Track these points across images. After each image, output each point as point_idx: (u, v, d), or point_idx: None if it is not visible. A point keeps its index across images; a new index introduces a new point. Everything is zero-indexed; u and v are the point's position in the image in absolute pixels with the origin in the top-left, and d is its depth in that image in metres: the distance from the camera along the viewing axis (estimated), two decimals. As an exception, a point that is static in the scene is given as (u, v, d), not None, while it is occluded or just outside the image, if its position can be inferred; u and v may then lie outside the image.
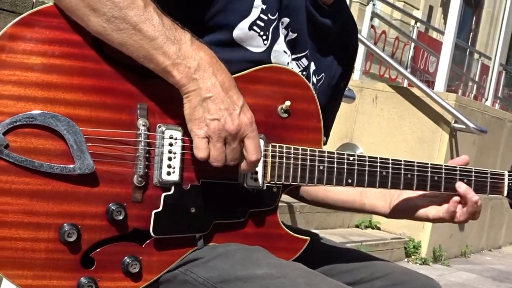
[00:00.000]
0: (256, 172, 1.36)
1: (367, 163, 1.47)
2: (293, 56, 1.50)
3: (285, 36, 1.47)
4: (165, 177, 1.29)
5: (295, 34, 1.48)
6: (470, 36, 18.66)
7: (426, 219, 1.60)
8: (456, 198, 1.54)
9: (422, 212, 1.59)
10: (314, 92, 1.46)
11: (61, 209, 1.23)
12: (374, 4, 8.83)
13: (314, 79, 1.57)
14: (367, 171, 1.47)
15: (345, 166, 1.44)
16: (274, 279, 1.25)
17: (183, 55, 1.21)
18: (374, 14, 8.89)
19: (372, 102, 5.85)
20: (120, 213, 1.26)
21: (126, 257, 1.29)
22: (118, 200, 1.27)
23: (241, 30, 1.37)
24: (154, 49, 1.20)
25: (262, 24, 1.40)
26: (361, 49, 7.52)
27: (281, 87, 1.41)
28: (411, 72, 9.71)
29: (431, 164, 1.52)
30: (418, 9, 15.96)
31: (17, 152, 1.19)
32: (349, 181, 1.45)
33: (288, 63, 1.47)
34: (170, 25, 1.22)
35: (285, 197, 4.92)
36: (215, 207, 1.35)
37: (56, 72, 1.22)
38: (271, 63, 1.43)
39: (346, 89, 3.95)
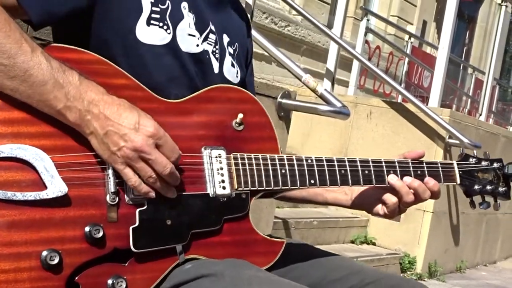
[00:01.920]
0: (224, 181, 1.41)
1: (325, 163, 1.53)
2: (202, 36, 1.53)
3: (194, 19, 1.51)
4: (136, 192, 1.31)
5: (194, 15, 1.52)
6: (464, 51, 18.76)
7: (376, 215, 1.67)
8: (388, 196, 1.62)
9: (374, 208, 1.67)
10: (262, 105, 1.52)
11: (40, 236, 1.24)
12: (368, 20, 8.90)
13: (231, 50, 1.63)
14: (326, 171, 1.53)
15: (305, 168, 1.51)
16: None
17: (73, 97, 1.24)
18: (368, 30, 8.97)
19: (366, 117, 5.88)
20: (98, 231, 1.27)
21: (110, 278, 1.29)
22: (94, 221, 1.28)
23: (141, 30, 1.42)
24: (46, 93, 1.24)
25: (158, 16, 1.44)
26: (355, 64, 7.59)
27: (232, 104, 1.48)
28: (405, 87, 9.77)
29: (384, 160, 1.60)
30: (412, 24, 16.04)
31: None
32: (312, 181, 1.51)
33: (198, 45, 1.51)
34: (58, 67, 1.25)
35: (280, 213, 4.91)
36: (190, 217, 1.38)
37: (17, 109, 1.25)
38: (179, 50, 1.47)
39: (341, 106, 4.00)
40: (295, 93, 4.02)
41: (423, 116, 5.50)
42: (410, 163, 1.63)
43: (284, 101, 3.84)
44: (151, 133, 1.27)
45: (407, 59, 10.63)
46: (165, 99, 1.40)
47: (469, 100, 11.92)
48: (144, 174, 1.29)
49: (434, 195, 1.62)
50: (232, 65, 1.62)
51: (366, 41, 9.30)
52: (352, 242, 5.60)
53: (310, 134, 6.09)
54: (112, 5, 1.40)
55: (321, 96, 4.06)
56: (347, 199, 1.72)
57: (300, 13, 6.86)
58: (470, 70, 13.03)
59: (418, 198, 1.61)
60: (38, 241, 1.23)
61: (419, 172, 1.63)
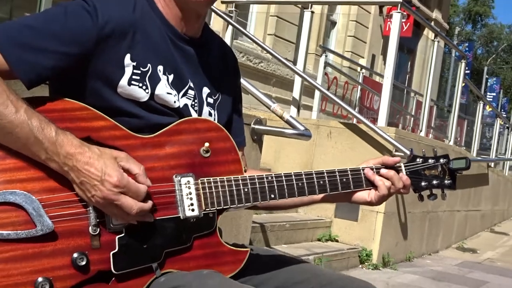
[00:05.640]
0: (192, 204, 1.38)
1: (283, 178, 1.47)
2: (181, 93, 1.48)
3: (168, 80, 1.45)
4: (114, 222, 1.30)
5: (172, 75, 1.46)
6: (407, 78, 18.95)
7: (359, 201, 1.58)
8: (388, 183, 1.56)
9: (355, 195, 1.58)
10: (227, 131, 1.47)
11: (33, 267, 1.22)
12: (326, 56, 9.00)
13: (210, 100, 1.56)
14: (285, 185, 1.47)
15: (266, 185, 1.45)
16: None
17: (51, 151, 1.23)
18: (327, 63, 9.07)
19: (327, 136, 5.91)
20: (83, 259, 1.26)
21: None
22: (80, 250, 1.26)
23: (122, 88, 1.37)
24: (30, 147, 1.23)
25: (138, 77, 1.39)
26: (317, 93, 7.65)
27: (199, 134, 1.42)
28: (359, 110, 9.85)
29: (338, 169, 1.54)
30: (363, 58, 16.20)
31: None
32: (272, 196, 1.46)
33: (175, 102, 1.45)
34: (37, 126, 1.22)
35: (257, 219, 4.90)
36: (163, 238, 1.35)
37: (9, 158, 1.24)
38: (159, 105, 1.42)
39: (304, 129, 4.01)
40: (266, 119, 4.04)
41: (374, 134, 5.54)
42: (360, 170, 1.57)
43: (256, 126, 3.84)
44: (115, 184, 1.25)
45: (359, 87, 10.73)
46: (140, 135, 1.37)
47: (412, 118, 12.02)
48: (117, 214, 1.28)
49: (406, 187, 1.57)
50: (210, 114, 1.56)
51: (326, 73, 9.40)
52: (319, 240, 5.59)
53: (281, 152, 6.11)
54: (97, 67, 1.36)
55: (287, 122, 4.07)
56: (320, 195, 1.59)
57: (269, 52, 6.90)
58: (412, 94, 13.16)
59: (396, 185, 1.56)
60: (32, 271, 1.22)
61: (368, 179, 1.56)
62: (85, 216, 1.28)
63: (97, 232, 1.28)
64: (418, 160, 1.63)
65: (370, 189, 1.57)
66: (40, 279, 1.22)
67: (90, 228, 1.28)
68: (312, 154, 5.96)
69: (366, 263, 5.51)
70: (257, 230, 4.65)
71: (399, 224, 6.01)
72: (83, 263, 1.26)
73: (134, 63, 1.38)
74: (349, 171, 1.55)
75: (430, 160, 1.63)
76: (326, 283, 1.52)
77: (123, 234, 1.31)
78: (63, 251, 1.25)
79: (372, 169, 1.57)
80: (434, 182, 1.61)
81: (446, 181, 1.62)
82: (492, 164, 10.18)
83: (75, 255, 1.25)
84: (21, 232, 1.22)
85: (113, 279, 1.30)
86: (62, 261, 1.25)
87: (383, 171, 1.57)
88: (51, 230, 1.23)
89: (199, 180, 1.39)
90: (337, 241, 5.68)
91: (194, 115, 1.50)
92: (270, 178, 1.46)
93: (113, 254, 1.29)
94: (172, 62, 1.46)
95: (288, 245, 5.06)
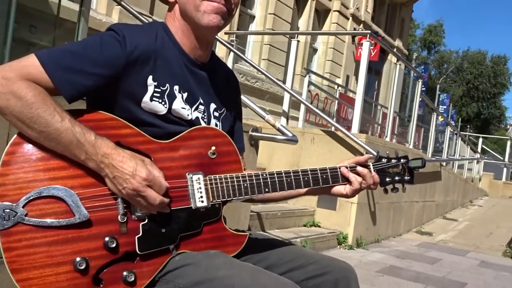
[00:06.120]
0: (202, 197, 1.37)
1: (275, 175, 1.46)
2: (193, 108, 1.47)
3: (183, 97, 1.45)
4: (139, 212, 1.30)
5: (186, 93, 1.45)
6: (375, 94, 18.97)
7: (337, 194, 1.56)
8: (359, 179, 1.53)
9: (334, 189, 1.56)
10: (230, 138, 1.45)
11: (72, 249, 1.23)
12: (309, 76, 8.99)
13: (216, 114, 1.55)
14: (277, 181, 1.46)
15: (261, 181, 1.44)
16: (229, 278, 1.26)
17: (91, 153, 1.23)
18: (310, 83, 9.05)
19: (311, 142, 5.91)
20: (113, 242, 1.26)
21: (124, 272, 1.27)
22: (110, 235, 1.26)
23: (145, 103, 1.37)
24: (72, 149, 1.23)
25: (158, 95, 1.39)
26: (302, 106, 7.63)
27: (207, 139, 1.42)
28: (336, 120, 9.83)
29: (319, 168, 1.53)
30: (339, 78, 16.22)
31: (34, 217, 1.20)
32: (266, 190, 1.45)
33: (188, 115, 1.45)
34: (79, 131, 1.23)
35: (254, 208, 4.88)
36: (178, 225, 1.35)
37: (53, 159, 1.24)
38: (175, 117, 1.42)
39: (292, 135, 3.98)
40: (261, 128, 4.03)
41: (348, 139, 5.54)
42: (338, 168, 1.54)
43: (253, 133, 3.83)
44: (144, 178, 1.25)
45: (337, 101, 10.72)
46: (160, 141, 1.37)
47: (379, 127, 12.02)
48: (142, 204, 1.28)
49: (375, 184, 1.55)
50: (216, 125, 1.55)
51: (309, 90, 9.39)
52: (304, 225, 5.57)
53: (274, 154, 6.10)
54: (125, 86, 1.36)
55: (278, 129, 4.07)
56: (304, 189, 1.56)
57: (263, 74, 6.90)
58: (379, 107, 13.16)
59: (367, 181, 1.54)
60: (71, 253, 1.23)
61: (344, 176, 1.54)
62: (114, 207, 1.28)
63: (125, 220, 1.28)
64: (383, 160, 1.62)
65: (345, 184, 1.56)
66: (78, 259, 1.22)
67: (119, 216, 1.28)
68: (299, 156, 5.95)
69: (343, 244, 5.50)
70: (255, 218, 4.63)
71: (369, 213, 6.01)
72: (113, 245, 1.26)
73: (155, 83, 1.38)
74: (328, 169, 1.54)
75: (393, 160, 1.61)
76: (312, 261, 1.51)
77: (146, 221, 1.30)
78: (97, 236, 1.25)
79: (347, 167, 1.55)
80: (396, 178, 1.60)
81: (406, 177, 1.61)
82: (444, 164, 10.19)
83: (106, 239, 1.25)
84: (62, 220, 1.22)
85: (138, 258, 1.30)
86: (96, 244, 1.25)
87: (358, 169, 1.55)
88: (87, 219, 1.24)
89: (207, 177, 1.39)
90: (319, 226, 5.66)
91: (204, 125, 1.50)
92: (264, 175, 1.46)
93: (137, 238, 1.29)
94: (186, 83, 1.45)
95: (280, 230, 5.04)
